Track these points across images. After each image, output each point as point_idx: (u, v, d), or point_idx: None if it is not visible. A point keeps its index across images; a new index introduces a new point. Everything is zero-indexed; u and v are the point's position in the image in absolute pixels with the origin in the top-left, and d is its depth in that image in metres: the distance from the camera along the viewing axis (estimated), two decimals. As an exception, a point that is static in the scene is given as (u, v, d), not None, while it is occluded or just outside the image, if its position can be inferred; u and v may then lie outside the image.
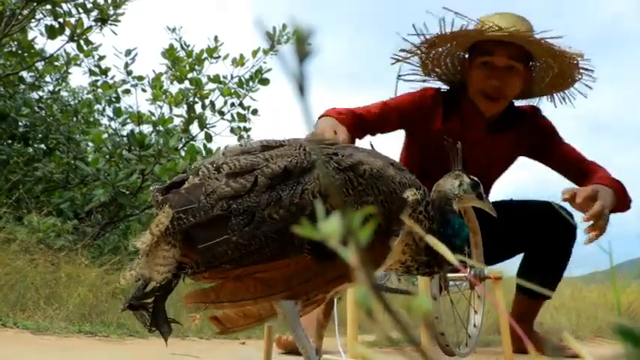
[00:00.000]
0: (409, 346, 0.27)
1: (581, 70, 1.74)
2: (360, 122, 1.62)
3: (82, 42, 3.73)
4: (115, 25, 3.64)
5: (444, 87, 1.92)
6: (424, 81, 1.90)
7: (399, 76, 1.90)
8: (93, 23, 3.61)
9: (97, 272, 2.54)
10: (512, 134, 1.83)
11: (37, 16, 3.54)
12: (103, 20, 3.57)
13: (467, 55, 1.81)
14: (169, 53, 4.01)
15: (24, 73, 3.87)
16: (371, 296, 0.26)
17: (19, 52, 3.69)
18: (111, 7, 3.58)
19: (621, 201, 1.65)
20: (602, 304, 3.80)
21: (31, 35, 3.67)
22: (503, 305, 1.60)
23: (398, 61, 1.84)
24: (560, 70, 1.75)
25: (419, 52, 1.78)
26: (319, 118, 1.55)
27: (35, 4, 3.35)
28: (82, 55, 3.99)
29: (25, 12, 3.40)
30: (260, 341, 1.39)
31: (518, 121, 1.83)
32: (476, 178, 1.00)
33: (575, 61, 1.70)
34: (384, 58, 1.90)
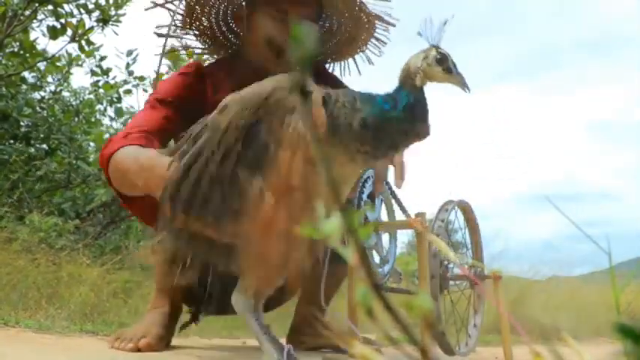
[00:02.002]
0: (409, 345, 0.27)
1: (372, 40, 1.49)
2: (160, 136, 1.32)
3: (83, 42, 3.74)
4: (117, 26, 3.65)
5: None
6: (181, 38, 1.50)
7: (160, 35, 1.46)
8: (94, 24, 3.62)
9: (98, 272, 2.55)
10: None
11: (39, 17, 3.55)
12: (104, 21, 3.58)
13: (243, 3, 1.44)
14: (170, 54, 4.01)
15: (26, 74, 3.88)
16: (371, 295, 0.26)
17: (21, 52, 3.70)
18: (112, 8, 3.59)
19: None
20: (601, 303, 3.79)
21: (32, 36, 3.68)
22: (503, 305, 1.61)
23: (156, 5, 1.44)
24: (349, 36, 1.49)
25: None
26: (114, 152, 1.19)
27: (37, 4, 3.36)
28: (83, 56, 4.00)
29: (27, 13, 3.41)
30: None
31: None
32: (444, 52, 0.91)
33: (372, 31, 1.46)
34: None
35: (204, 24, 1.49)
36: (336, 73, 1.60)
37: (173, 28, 1.46)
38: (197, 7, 1.43)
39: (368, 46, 1.51)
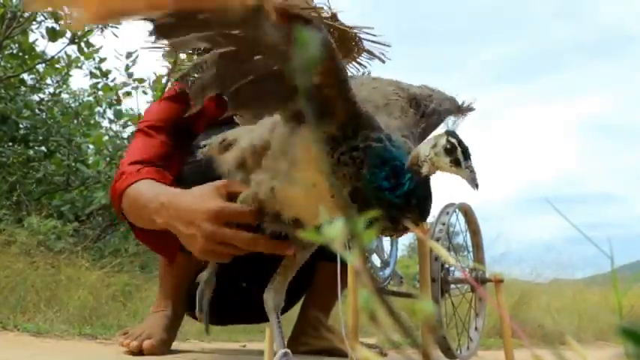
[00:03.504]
0: (411, 349, 0.27)
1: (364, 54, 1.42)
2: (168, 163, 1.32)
3: (82, 44, 3.74)
4: (116, 28, 3.65)
5: None
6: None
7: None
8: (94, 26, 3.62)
9: (97, 275, 2.54)
10: None
11: (38, 19, 3.55)
12: (103, 23, 3.58)
13: None
14: (169, 54, 4.01)
15: (25, 76, 3.88)
16: (373, 299, 0.25)
17: (20, 54, 3.70)
18: (112, 10, 3.58)
19: None
20: (603, 306, 3.79)
21: (32, 37, 3.68)
22: (504, 308, 1.60)
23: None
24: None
25: None
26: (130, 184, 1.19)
27: (36, 6, 3.35)
28: (82, 58, 4.00)
29: (26, 14, 3.41)
30: (261, 344, 1.39)
31: None
32: (454, 141, 0.84)
33: (362, 46, 1.39)
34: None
35: None
36: None
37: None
38: None
39: (359, 57, 1.45)
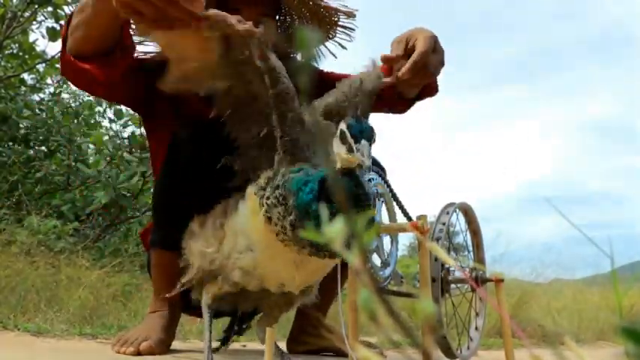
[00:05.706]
0: (411, 348, 0.27)
1: (338, 29, 1.46)
2: None
3: (83, 44, 3.72)
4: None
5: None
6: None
7: None
8: (94, 25, 3.62)
9: (97, 274, 2.54)
10: None
11: (39, 19, 3.55)
12: (104, 22, 3.58)
13: None
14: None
15: (25, 75, 3.88)
16: (373, 299, 0.25)
17: (20, 54, 3.70)
18: (112, 10, 3.59)
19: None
20: (603, 306, 3.79)
21: (32, 37, 3.69)
22: (505, 308, 1.60)
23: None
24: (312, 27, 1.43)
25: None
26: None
27: (36, 6, 3.36)
28: (83, 57, 4.00)
29: (27, 14, 3.41)
30: (262, 344, 1.39)
31: None
32: (343, 128, 0.80)
33: (336, 19, 1.42)
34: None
35: None
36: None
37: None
38: None
39: (337, 33, 1.49)
